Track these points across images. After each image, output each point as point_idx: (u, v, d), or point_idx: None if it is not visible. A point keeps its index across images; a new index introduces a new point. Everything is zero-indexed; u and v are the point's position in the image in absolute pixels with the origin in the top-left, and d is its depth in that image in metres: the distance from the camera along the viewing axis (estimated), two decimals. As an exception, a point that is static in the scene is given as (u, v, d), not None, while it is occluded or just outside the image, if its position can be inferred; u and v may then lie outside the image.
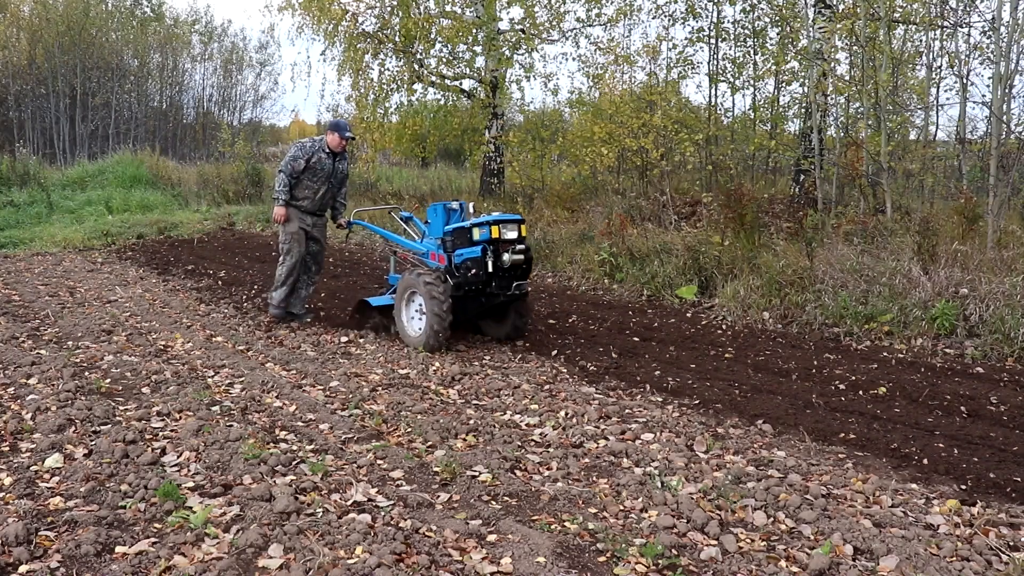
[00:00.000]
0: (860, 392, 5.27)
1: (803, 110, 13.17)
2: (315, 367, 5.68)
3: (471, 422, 4.51)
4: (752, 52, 14.59)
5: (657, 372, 5.81)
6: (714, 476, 3.74)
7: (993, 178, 7.99)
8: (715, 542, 3.12)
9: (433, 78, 16.29)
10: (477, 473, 3.74)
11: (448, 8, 15.99)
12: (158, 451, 3.88)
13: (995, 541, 3.13)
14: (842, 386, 5.40)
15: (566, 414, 4.70)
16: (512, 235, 6.08)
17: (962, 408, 4.89)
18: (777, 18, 13.74)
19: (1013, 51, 8.32)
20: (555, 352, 6.34)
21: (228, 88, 34.62)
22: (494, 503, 3.47)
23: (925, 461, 4.09)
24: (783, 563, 2.98)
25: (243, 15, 62.35)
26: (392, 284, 6.97)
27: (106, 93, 29.47)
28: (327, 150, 6.86)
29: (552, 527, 3.23)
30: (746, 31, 14.52)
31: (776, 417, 4.78)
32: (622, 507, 3.45)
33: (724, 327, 7.20)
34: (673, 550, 3.03)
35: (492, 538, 3.09)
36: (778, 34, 14.00)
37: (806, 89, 12.39)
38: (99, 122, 29.54)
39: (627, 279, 8.94)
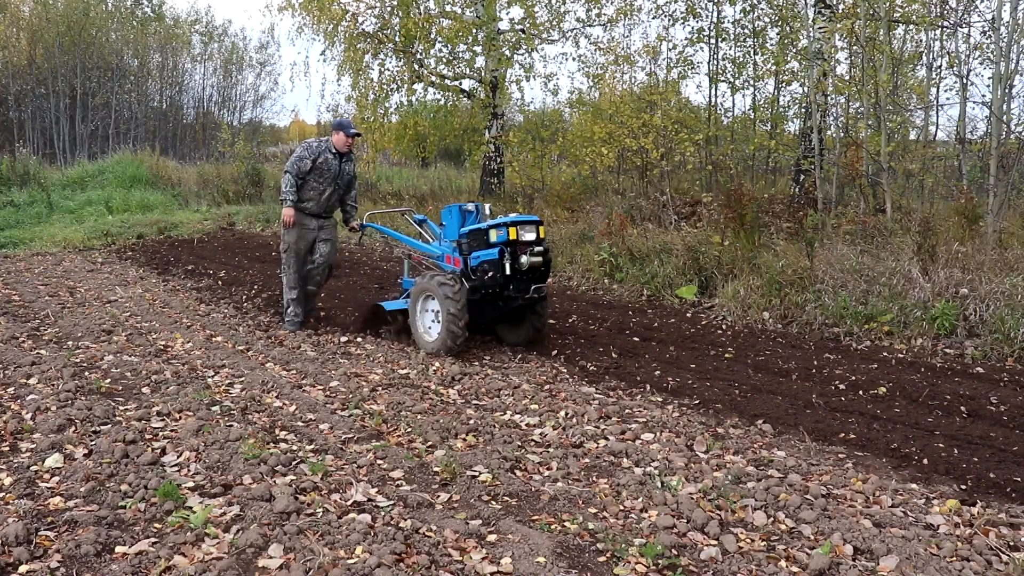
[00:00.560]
0: (860, 392, 5.27)
1: (803, 110, 13.17)
2: (315, 367, 5.68)
3: (471, 422, 4.51)
4: (752, 52, 14.60)
5: (657, 372, 5.81)
6: (714, 476, 3.74)
7: (993, 178, 7.99)
8: (715, 542, 3.12)
9: (433, 78, 16.29)
10: (477, 473, 3.74)
11: (448, 8, 16.00)
12: (158, 451, 3.88)
13: (995, 541, 3.13)
14: (842, 386, 5.40)
15: (566, 414, 4.70)
16: (530, 237, 5.93)
17: (962, 408, 4.89)
18: (777, 18, 13.74)
19: (1013, 51, 8.33)
20: (555, 352, 6.34)
21: (228, 88, 34.62)
22: (494, 503, 3.47)
23: (925, 461, 4.09)
24: (783, 563, 2.98)
25: (243, 15, 62.40)
26: (406, 288, 6.78)
27: (106, 93, 29.46)
28: (333, 151, 6.75)
29: (552, 527, 3.23)
30: (746, 31, 14.52)
31: (776, 417, 4.78)
32: (622, 507, 3.45)
33: (724, 327, 7.20)
34: (673, 550, 3.03)
35: (492, 538, 3.09)
36: (778, 34, 14.00)
37: (806, 89, 12.39)
38: (99, 122, 29.53)
39: (627, 279, 8.94)
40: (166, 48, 32.24)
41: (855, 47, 10.37)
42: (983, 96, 9.83)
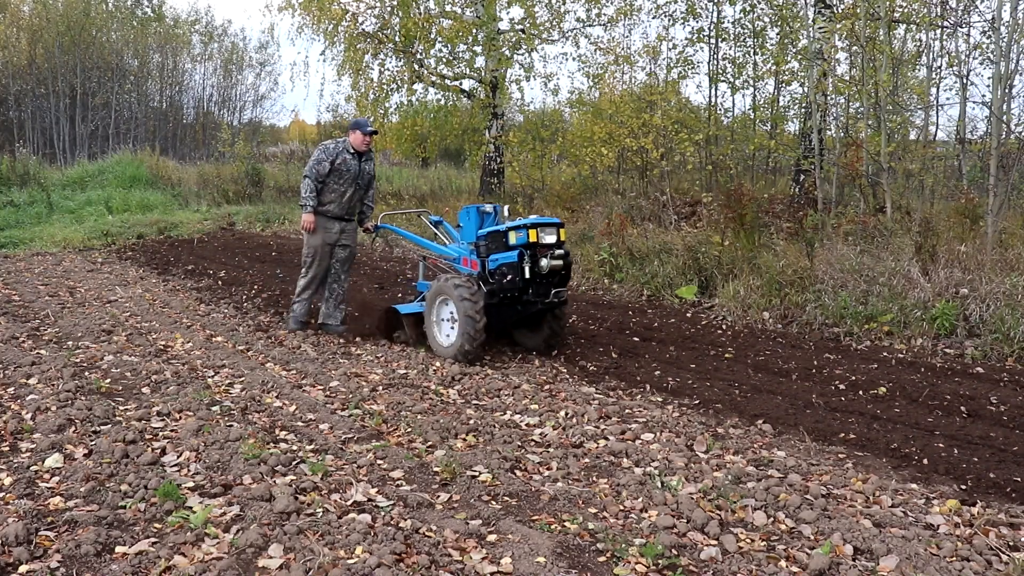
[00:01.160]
0: (860, 392, 5.27)
1: (803, 110, 13.17)
2: (315, 367, 5.68)
3: (471, 422, 4.51)
4: (752, 52, 14.60)
5: (657, 372, 5.81)
6: (714, 476, 3.74)
7: (993, 178, 7.98)
8: (715, 542, 3.12)
9: (433, 78, 16.30)
10: (477, 473, 3.74)
11: (448, 8, 16.01)
12: (158, 451, 3.88)
13: (995, 541, 3.13)
14: (842, 386, 5.40)
15: (566, 414, 4.70)
16: (551, 239, 5.75)
17: (962, 408, 4.89)
18: (777, 18, 13.75)
19: (1013, 51, 8.32)
20: (555, 352, 6.34)
21: (228, 88, 34.61)
22: (494, 503, 3.47)
23: (925, 461, 4.09)
24: (783, 563, 2.98)
25: (243, 15, 62.35)
26: (421, 291, 6.65)
27: (106, 93, 29.46)
28: (351, 151, 6.58)
29: (552, 527, 3.23)
30: (746, 31, 14.53)
31: (776, 417, 4.78)
32: (622, 507, 3.45)
33: (724, 327, 7.20)
34: (673, 550, 3.03)
35: (492, 538, 3.09)
36: (778, 34, 14.01)
37: (806, 89, 12.39)
38: (99, 122, 29.53)
39: (627, 279, 8.94)
40: (166, 48, 32.24)
41: (855, 47, 10.36)
42: (983, 96, 9.83)
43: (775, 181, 15.00)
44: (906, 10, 11.20)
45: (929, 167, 10.15)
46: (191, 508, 3.23)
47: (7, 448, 3.89)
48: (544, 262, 5.65)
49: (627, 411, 4.81)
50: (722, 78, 14.84)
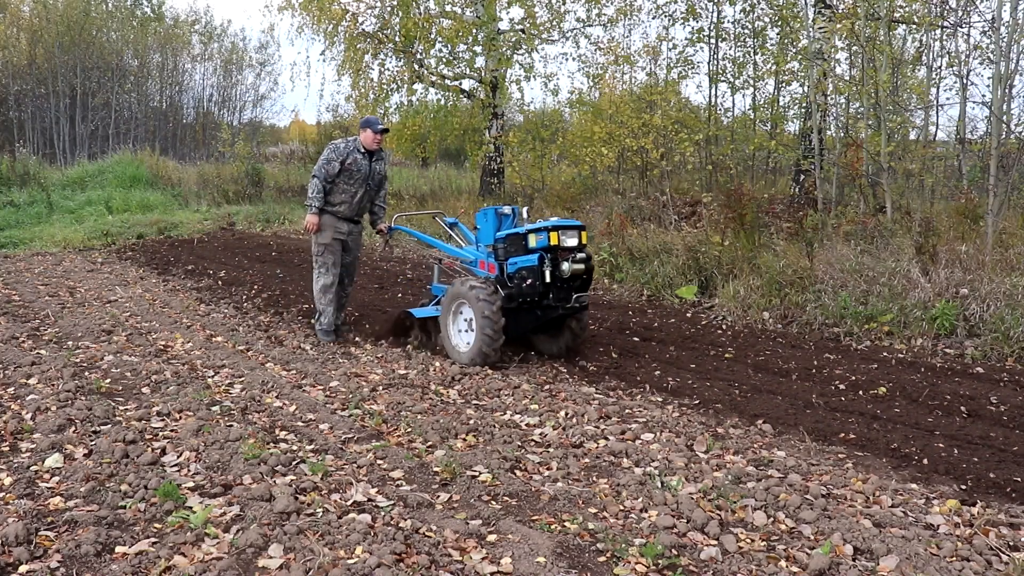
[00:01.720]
0: (860, 392, 5.27)
1: (803, 110, 13.18)
2: (315, 367, 5.68)
3: (471, 422, 4.51)
4: (752, 52, 14.61)
5: (657, 372, 5.81)
6: (714, 476, 3.74)
7: (993, 178, 7.98)
8: (715, 542, 3.12)
9: (433, 78, 16.30)
10: (477, 473, 3.74)
11: (448, 8, 16.01)
12: (158, 451, 3.88)
13: (995, 541, 3.13)
14: (842, 386, 5.40)
15: (566, 414, 4.70)
16: (572, 242, 5.57)
17: (962, 408, 4.89)
18: (777, 18, 13.74)
19: (1013, 51, 8.32)
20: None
21: (228, 88, 34.59)
22: (494, 503, 3.47)
23: (925, 461, 4.09)
24: (783, 563, 2.98)
25: (243, 15, 62.35)
26: (435, 295, 6.51)
27: (106, 93, 29.45)
28: (362, 150, 6.43)
29: (552, 527, 3.23)
30: (746, 31, 14.53)
31: (776, 417, 4.78)
32: (622, 507, 3.45)
33: (724, 327, 7.20)
34: (673, 550, 3.03)
35: (492, 538, 3.09)
36: (778, 34, 14.01)
37: (806, 89, 12.39)
38: (99, 122, 29.52)
39: (627, 279, 8.94)
40: (166, 48, 32.23)
41: (855, 47, 10.37)
42: (983, 96, 9.83)
43: (775, 181, 15.01)
44: (906, 10, 11.20)
45: (929, 167, 10.16)
46: (191, 508, 3.23)
47: (7, 448, 3.89)
48: (565, 266, 5.48)
49: (627, 411, 4.81)
50: (722, 78, 14.86)
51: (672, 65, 15.19)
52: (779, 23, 13.73)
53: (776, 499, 3.46)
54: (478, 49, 15.99)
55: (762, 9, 14.14)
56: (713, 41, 14.50)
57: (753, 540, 3.16)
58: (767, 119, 15.09)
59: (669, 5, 14.57)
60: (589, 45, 26.92)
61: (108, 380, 5.18)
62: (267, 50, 34.78)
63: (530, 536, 3.09)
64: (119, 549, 2.90)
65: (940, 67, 11.83)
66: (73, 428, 4.14)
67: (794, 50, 13.35)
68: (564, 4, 16.11)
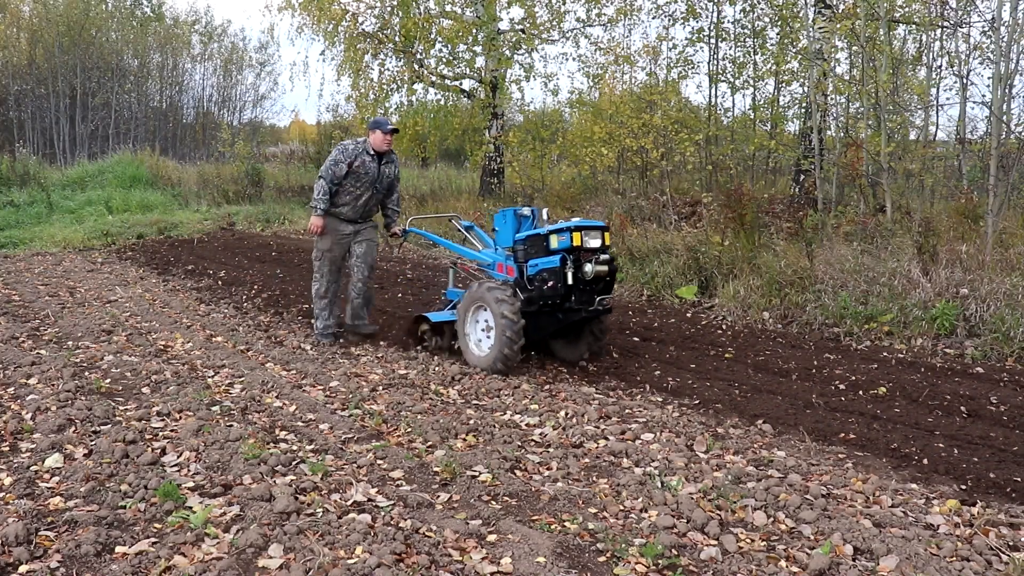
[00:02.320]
0: (860, 392, 5.27)
1: (803, 110, 13.18)
2: (315, 367, 5.68)
3: (471, 422, 4.51)
4: (752, 52, 14.61)
5: (657, 372, 5.81)
6: (714, 476, 3.74)
7: (993, 178, 7.98)
8: (715, 542, 3.12)
9: (433, 78, 16.31)
10: (477, 473, 3.74)
11: (448, 8, 16.02)
12: (158, 451, 3.88)
13: (995, 541, 3.13)
14: (842, 386, 5.40)
15: (566, 414, 4.70)
16: (595, 244, 5.38)
17: (962, 408, 4.89)
18: (777, 18, 13.75)
19: (1013, 51, 8.32)
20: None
21: (228, 88, 34.61)
22: (494, 503, 3.47)
23: (925, 461, 4.09)
24: (783, 563, 2.98)
25: (243, 15, 62.34)
26: (451, 299, 6.36)
27: (106, 93, 29.45)
28: (371, 152, 6.26)
29: (552, 527, 3.23)
30: (746, 31, 14.54)
31: (776, 417, 4.78)
32: (622, 507, 3.45)
33: (724, 327, 7.20)
34: (673, 550, 3.03)
35: (492, 538, 3.09)
36: (778, 34, 14.01)
37: (806, 89, 12.40)
38: (99, 122, 29.52)
39: (627, 279, 8.94)
40: (166, 48, 32.24)
41: (855, 47, 10.37)
42: (983, 96, 9.85)
43: (775, 181, 15.02)
44: (906, 10, 11.20)
45: (929, 167, 10.16)
46: (191, 508, 3.23)
47: (7, 448, 3.89)
48: (588, 267, 5.30)
49: (627, 411, 4.81)
50: (722, 78, 14.87)
51: (672, 65, 15.22)
52: (779, 23, 13.74)
53: (776, 499, 3.46)
54: (478, 49, 16.00)
55: (762, 9, 14.16)
56: (713, 41, 14.52)
57: (753, 540, 3.16)
58: (767, 119, 15.10)
59: (669, 5, 14.60)
60: (589, 45, 26.96)
61: (108, 380, 5.18)
62: (267, 50, 34.83)
63: (530, 536, 3.09)
64: (119, 549, 2.90)
65: (940, 67, 11.85)
66: (73, 428, 4.13)
67: (794, 50, 13.36)
68: (564, 4, 16.13)
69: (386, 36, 16.07)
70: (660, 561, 2.97)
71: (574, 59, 32.96)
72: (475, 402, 5.01)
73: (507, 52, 15.65)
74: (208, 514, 3.15)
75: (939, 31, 10.86)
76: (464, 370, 5.65)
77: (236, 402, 4.74)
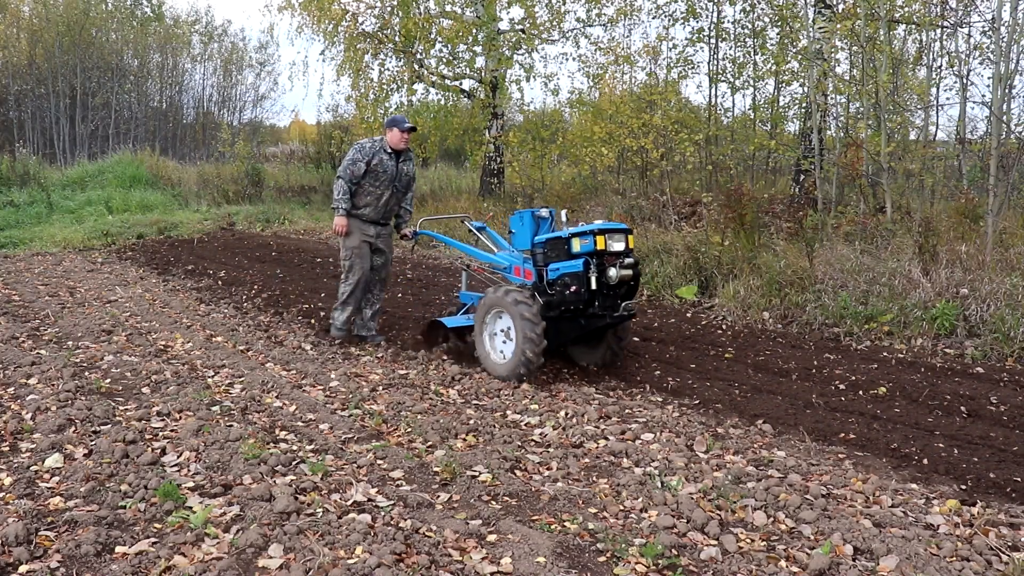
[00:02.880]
0: (860, 392, 5.27)
1: (803, 110, 13.18)
2: (315, 367, 5.68)
3: (471, 422, 4.51)
4: (752, 52, 14.61)
5: (657, 372, 5.81)
6: (714, 476, 3.74)
7: (993, 178, 7.98)
8: (715, 542, 3.12)
9: (433, 78, 16.30)
10: (477, 473, 3.74)
11: (448, 8, 16.01)
12: (158, 451, 3.88)
13: (995, 541, 3.13)
14: (842, 386, 5.40)
15: (566, 414, 4.70)
16: (619, 247, 5.21)
17: (962, 408, 4.89)
18: (777, 18, 13.74)
19: (1013, 51, 8.32)
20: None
21: (228, 88, 34.59)
22: (494, 503, 3.47)
23: (925, 461, 4.09)
24: (783, 563, 2.98)
25: (243, 15, 62.29)
26: (464, 303, 6.27)
27: (106, 93, 29.45)
28: (388, 150, 6.21)
29: (552, 527, 3.23)
30: (746, 31, 14.53)
31: (776, 417, 4.78)
32: (622, 507, 3.45)
33: (724, 327, 7.20)
34: (673, 550, 3.03)
35: (492, 538, 3.09)
36: (778, 34, 14.00)
37: (806, 89, 12.39)
38: (99, 122, 29.52)
39: (627, 279, 8.92)
40: (166, 48, 32.24)
41: (855, 47, 10.37)
42: (983, 96, 9.84)
43: (775, 181, 15.02)
44: (906, 10, 11.20)
45: (929, 167, 10.15)
46: (191, 508, 3.23)
47: (7, 448, 3.89)
48: (612, 272, 5.12)
49: (627, 411, 4.81)
50: (722, 78, 14.86)
51: (672, 65, 15.20)
52: (779, 23, 13.73)
53: (776, 499, 3.46)
54: (478, 49, 15.99)
55: (762, 9, 14.14)
56: (713, 41, 14.51)
57: (753, 540, 3.16)
58: (767, 119, 15.10)
59: (669, 5, 14.58)
60: (589, 45, 26.94)
61: (108, 380, 5.18)
62: (267, 50, 34.81)
63: (530, 536, 3.09)
64: (119, 549, 2.90)
65: (940, 67, 11.84)
66: (73, 428, 4.14)
67: (794, 50, 13.35)
68: (564, 4, 16.11)
69: (386, 36, 16.07)
70: (660, 561, 2.97)
71: (574, 59, 32.93)
72: (475, 402, 5.01)
73: (507, 52, 15.65)
74: (208, 514, 3.16)
75: (939, 31, 10.86)
76: (464, 370, 5.66)
77: (236, 402, 4.74)
